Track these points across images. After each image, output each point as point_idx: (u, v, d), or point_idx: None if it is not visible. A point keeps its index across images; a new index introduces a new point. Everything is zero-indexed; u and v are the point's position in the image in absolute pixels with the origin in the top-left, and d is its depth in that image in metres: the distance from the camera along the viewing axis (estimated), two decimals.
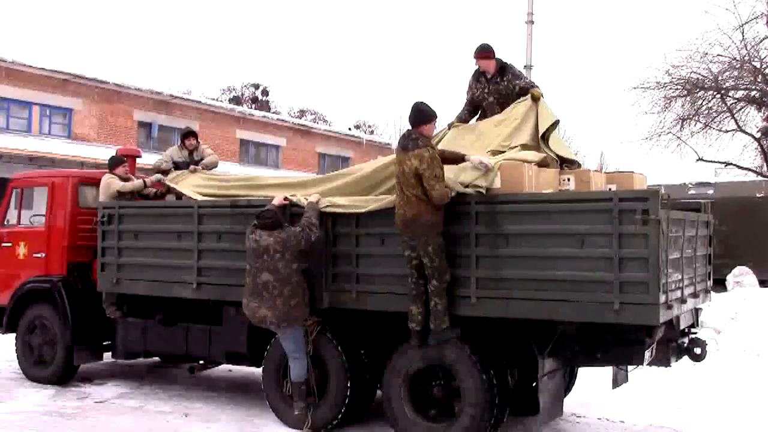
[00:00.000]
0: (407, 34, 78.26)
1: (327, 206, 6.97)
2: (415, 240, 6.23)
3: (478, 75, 7.39)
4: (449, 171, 6.30)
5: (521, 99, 7.07)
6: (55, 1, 69.20)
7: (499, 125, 6.97)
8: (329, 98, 76.44)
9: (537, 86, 7.23)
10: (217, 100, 43.42)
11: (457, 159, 6.44)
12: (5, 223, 9.89)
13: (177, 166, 9.12)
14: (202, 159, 9.21)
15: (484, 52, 7.27)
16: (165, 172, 9.04)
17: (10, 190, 9.94)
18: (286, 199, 7.26)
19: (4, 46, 49.70)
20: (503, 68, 7.30)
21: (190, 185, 8.52)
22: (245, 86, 55.15)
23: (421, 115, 6.41)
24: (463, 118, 7.51)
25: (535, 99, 6.97)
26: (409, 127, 6.44)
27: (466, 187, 6.20)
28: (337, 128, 43.08)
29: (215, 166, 9.39)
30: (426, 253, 6.19)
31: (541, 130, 6.89)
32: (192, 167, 8.88)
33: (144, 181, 8.81)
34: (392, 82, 73.85)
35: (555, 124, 7.04)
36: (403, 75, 75.60)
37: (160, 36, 73.68)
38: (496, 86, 7.28)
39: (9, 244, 9.64)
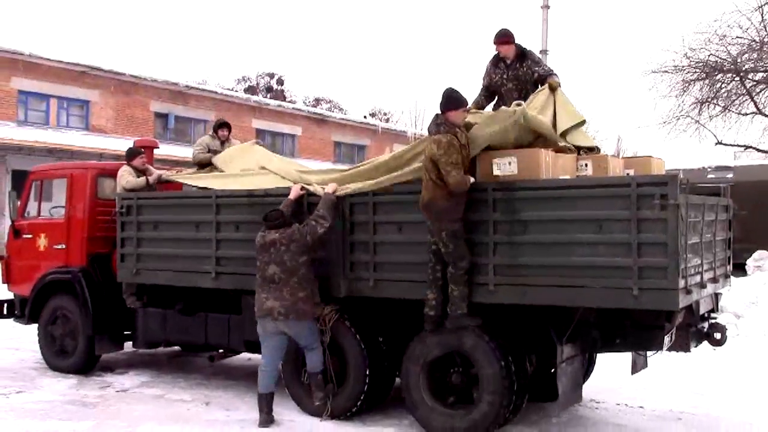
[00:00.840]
0: (423, 21, 77.96)
1: (341, 191, 6.98)
2: (431, 224, 6.25)
3: (497, 60, 7.33)
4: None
5: (540, 89, 7.02)
6: None
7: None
8: (344, 86, 76.52)
9: (555, 74, 7.14)
10: (232, 90, 43.57)
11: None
12: (26, 215, 10.00)
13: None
14: None
15: (504, 38, 7.20)
16: (202, 165, 9.09)
17: (29, 182, 10.03)
18: (302, 188, 7.28)
19: (22, 40, 49.98)
20: (523, 54, 7.24)
21: (208, 177, 8.57)
22: (260, 76, 55.26)
23: (449, 100, 6.36)
24: (480, 104, 7.46)
25: (553, 89, 6.91)
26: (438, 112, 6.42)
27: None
28: (352, 116, 43.08)
29: None
30: (440, 239, 6.19)
31: (564, 127, 6.81)
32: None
33: (147, 179, 8.80)
34: (408, 70, 73.64)
35: (580, 124, 6.95)
36: (418, 62, 75.36)
37: (176, 27, 73.90)
38: (515, 72, 7.21)
39: (30, 236, 9.74)
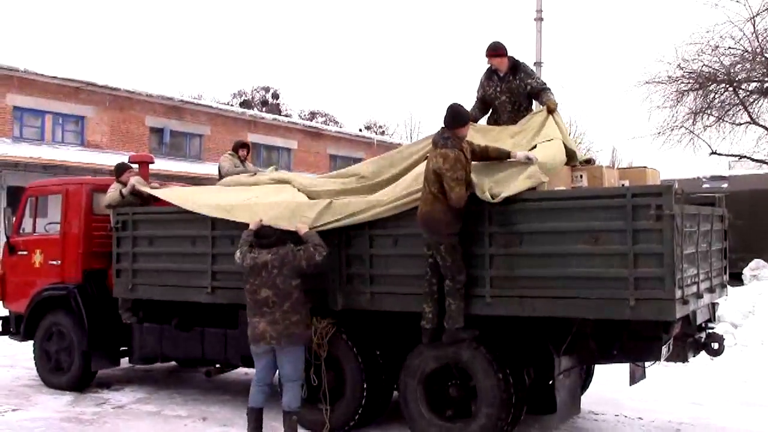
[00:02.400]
0: (417, 34, 78.28)
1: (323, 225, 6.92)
2: (429, 237, 6.24)
3: (491, 73, 7.34)
4: (498, 181, 6.21)
5: (537, 110, 7.02)
6: (66, 11, 69.68)
7: (515, 136, 6.86)
8: (339, 100, 76.60)
9: (548, 87, 7.15)
10: (227, 104, 43.60)
11: (502, 155, 6.46)
12: (21, 231, 9.97)
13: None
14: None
15: (496, 50, 7.21)
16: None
17: (25, 198, 10.01)
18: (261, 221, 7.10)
19: (17, 56, 50.10)
20: (515, 66, 7.23)
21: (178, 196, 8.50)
22: (255, 90, 55.38)
23: (457, 117, 6.32)
24: (475, 117, 7.47)
25: (551, 111, 6.91)
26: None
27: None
28: (347, 130, 43.16)
29: None
30: (438, 252, 6.18)
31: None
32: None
33: (120, 191, 8.74)
34: (402, 82, 73.90)
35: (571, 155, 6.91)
36: (413, 75, 75.62)
37: (170, 42, 74.04)
38: (509, 85, 7.21)
39: (25, 252, 9.71)
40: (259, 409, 6.84)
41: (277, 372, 6.91)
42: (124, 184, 8.89)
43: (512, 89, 7.20)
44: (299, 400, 6.79)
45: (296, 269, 6.67)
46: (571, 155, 6.77)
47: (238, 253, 6.88)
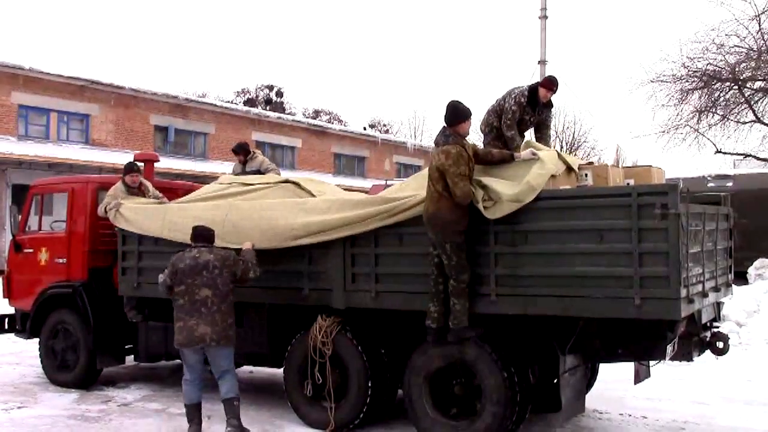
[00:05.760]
0: (421, 32, 78.23)
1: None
2: (435, 236, 6.24)
3: (532, 100, 7.56)
4: (504, 186, 6.16)
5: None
6: (71, 9, 69.78)
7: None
8: (343, 98, 76.65)
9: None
10: (231, 102, 43.69)
11: (505, 158, 6.50)
12: (26, 229, 10.00)
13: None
14: (258, 171, 9.55)
15: (556, 85, 7.58)
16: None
17: (30, 196, 10.04)
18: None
19: (22, 55, 50.22)
20: (550, 103, 7.70)
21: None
22: (259, 88, 55.46)
23: (456, 113, 6.37)
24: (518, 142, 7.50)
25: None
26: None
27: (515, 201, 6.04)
28: (352, 128, 43.18)
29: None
30: (444, 251, 6.18)
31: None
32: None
33: (104, 208, 8.74)
34: (406, 81, 73.85)
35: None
36: (417, 73, 75.58)
37: (175, 40, 74.15)
38: (541, 116, 7.67)
39: (31, 250, 9.74)
40: (197, 404, 7.05)
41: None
42: (128, 185, 8.90)
43: (540, 120, 7.67)
44: (237, 387, 7.05)
45: (233, 274, 6.93)
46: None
47: (165, 277, 6.99)
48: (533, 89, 7.49)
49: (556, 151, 6.89)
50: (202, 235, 7.09)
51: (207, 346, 6.80)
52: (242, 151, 9.87)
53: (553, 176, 6.39)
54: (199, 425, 7.03)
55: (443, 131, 6.37)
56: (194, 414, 7.01)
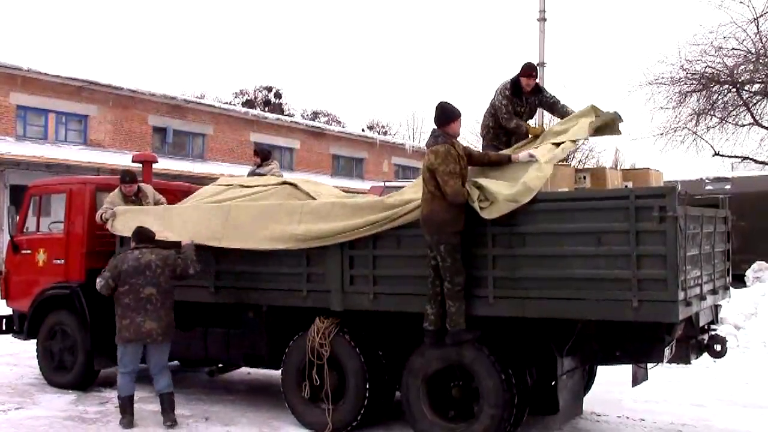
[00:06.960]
0: (419, 34, 78.28)
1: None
2: (430, 237, 6.24)
3: (516, 90, 7.53)
4: (499, 186, 6.14)
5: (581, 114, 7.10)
6: (69, 10, 69.76)
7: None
8: (342, 99, 76.61)
9: (559, 100, 7.62)
10: (230, 103, 43.66)
11: (502, 160, 6.52)
12: (24, 230, 9.98)
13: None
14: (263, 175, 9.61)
15: (533, 71, 7.54)
16: None
17: (28, 197, 10.02)
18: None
19: (20, 55, 50.19)
20: (538, 88, 7.66)
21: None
22: (258, 89, 55.38)
23: (444, 113, 6.43)
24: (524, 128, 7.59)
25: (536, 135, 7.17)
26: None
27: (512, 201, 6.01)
28: (350, 129, 43.17)
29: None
30: (438, 252, 6.17)
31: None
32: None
33: (101, 215, 8.76)
34: (405, 82, 73.90)
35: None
36: (415, 75, 75.63)
37: (173, 41, 74.12)
38: (531, 104, 7.67)
39: (29, 251, 9.72)
40: (131, 396, 7.51)
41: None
42: (124, 195, 8.87)
43: (532, 107, 7.64)
44: (172, 382, 7.52)
45: (173, 273, 7.35)
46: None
47: (107, 278, 7.31)
48: (514, 81, 7.48)
49: (592, 106, 6.97)
50: (144, 236, 7.45)
51: (153, 341, 7.21)
52: (261, 154, 10.00)
53: (553, 174, 6.38)
54: (132, 416, 7.43)
55: (433, 133, 6.44)
56: (129, 406, 7.44)
